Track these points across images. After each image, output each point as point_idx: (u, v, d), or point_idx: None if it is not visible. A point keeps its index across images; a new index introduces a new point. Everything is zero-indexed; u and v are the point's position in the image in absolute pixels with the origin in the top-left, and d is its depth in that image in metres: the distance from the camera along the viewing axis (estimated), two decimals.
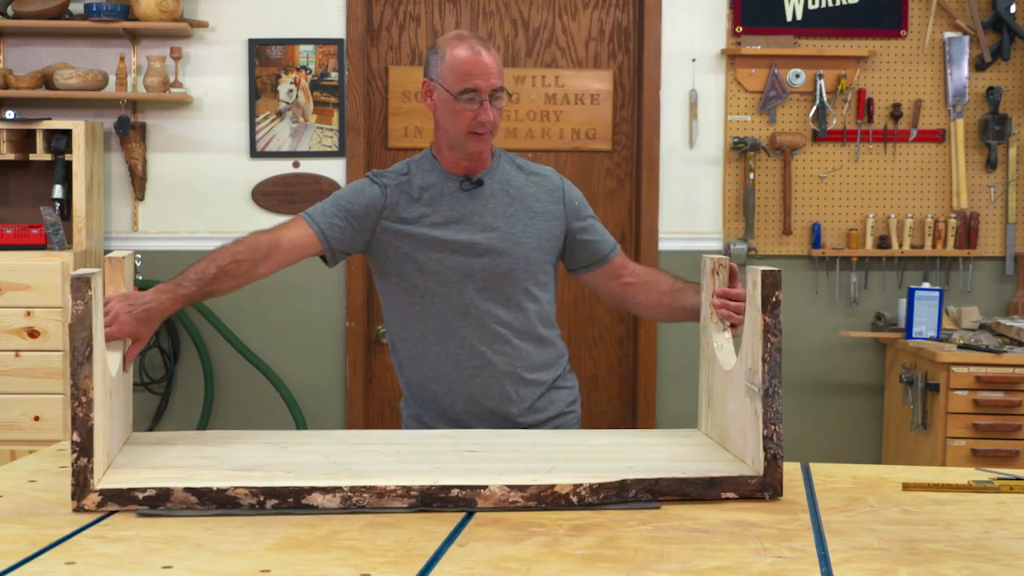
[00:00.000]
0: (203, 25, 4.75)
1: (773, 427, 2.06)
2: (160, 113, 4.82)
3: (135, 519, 1.94)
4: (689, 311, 2.63)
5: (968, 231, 4.87)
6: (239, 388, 4.88)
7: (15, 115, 4.52)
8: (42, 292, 4.37)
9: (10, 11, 4.61)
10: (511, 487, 2.01)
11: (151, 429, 4.83)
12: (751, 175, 4.82)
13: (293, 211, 4.81)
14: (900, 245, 4.88)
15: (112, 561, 1.72)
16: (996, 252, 4.92)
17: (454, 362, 2.69)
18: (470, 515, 1.97)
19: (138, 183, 4.80)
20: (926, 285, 4.69)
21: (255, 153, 4.83)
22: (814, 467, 2.36)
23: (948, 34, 4.86)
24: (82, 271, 2.00)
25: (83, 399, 1.97)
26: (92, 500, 1.99)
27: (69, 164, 4.55)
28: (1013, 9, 4.80)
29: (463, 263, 2.65)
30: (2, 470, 2.32)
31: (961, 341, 4.49)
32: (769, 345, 2.06)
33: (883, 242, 4.89)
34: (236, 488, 1.99)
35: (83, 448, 1.97)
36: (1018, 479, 2.22)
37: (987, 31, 4.85)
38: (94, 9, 4.55)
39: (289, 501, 2.00)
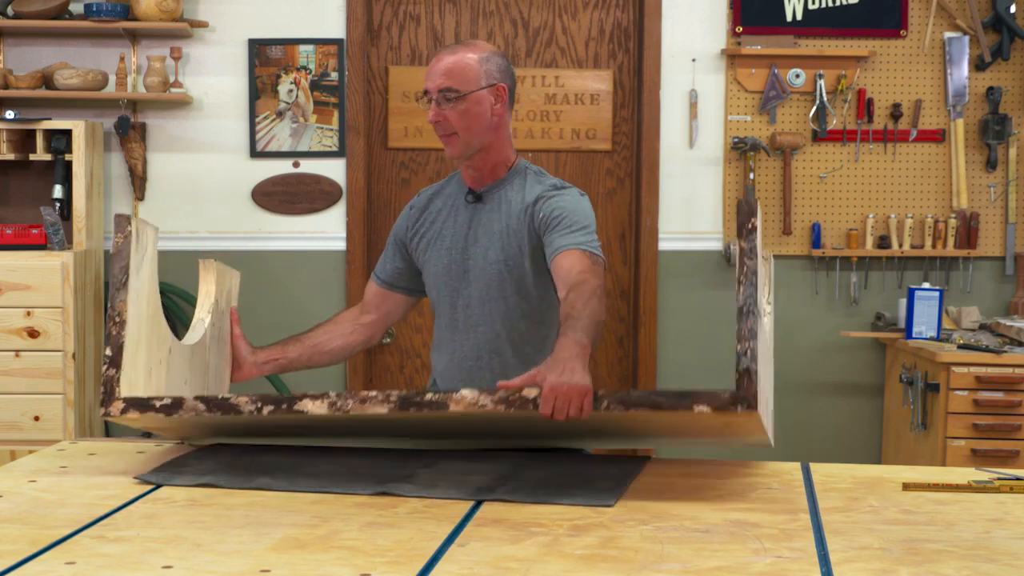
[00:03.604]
0: (203, 25, 4.75)
1: (747, 343, 2.05)
2: (160, 113, 4.82)
3: (136, 518, 1.95)
4: None
5: (968, 231, 4.87)
6: (239, 388, 4.86)
7: (15, 115, 4.52)
8: (42, 292, 4.37)
9: (10, 11, 4.61)
10: (481, 392, 2.12)
11: None
12: (751, 175, 4.82)
13: (293, 211, 4.82)
14: (900, 245, 4.88)
15: (112, 561, 1.72)
16: (996, 252, 4.92)
17: (457, 366, 2.72)
18: (470, 515, 1.98)
19: (138, 183, 4.80)
20: (926, 285, 4.69)
21: (255, 153, 4.83)
22: (814, 467, 2.36)
23: (948, 34, 4.86)
24: (119, 214, 2.32)
25: (117, 319, 2.23)
26: (117, 407, 2.21)
27: (69, 164, 4.55)
28: (1013, 9, 4.80)
29: (449, 275, 2.69)
30: (2, 470, 2.32)
31: (961, 341, 4.49)
32: (745, 268, 2.10)
33: (883, 242, 4.89)
34: (238, 397, 2.24)
35: (112, 361, 2.22)
36: (1018, 479, 2.22)
37: (987, 31, 4.85)
38: (94, 9, 4.55)
39: (283, 407, 2.21)
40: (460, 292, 2.67)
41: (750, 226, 2.13)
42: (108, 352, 2.23)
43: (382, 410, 2.16)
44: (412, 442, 2.48)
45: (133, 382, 2.29)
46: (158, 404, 2.23)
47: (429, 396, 2.14)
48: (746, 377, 2.04)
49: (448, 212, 2.72)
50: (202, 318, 2.58)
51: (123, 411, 2.23)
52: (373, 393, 2.16)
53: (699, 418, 2.09)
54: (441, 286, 2.70)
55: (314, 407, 2.18)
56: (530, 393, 2.09)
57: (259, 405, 2.22)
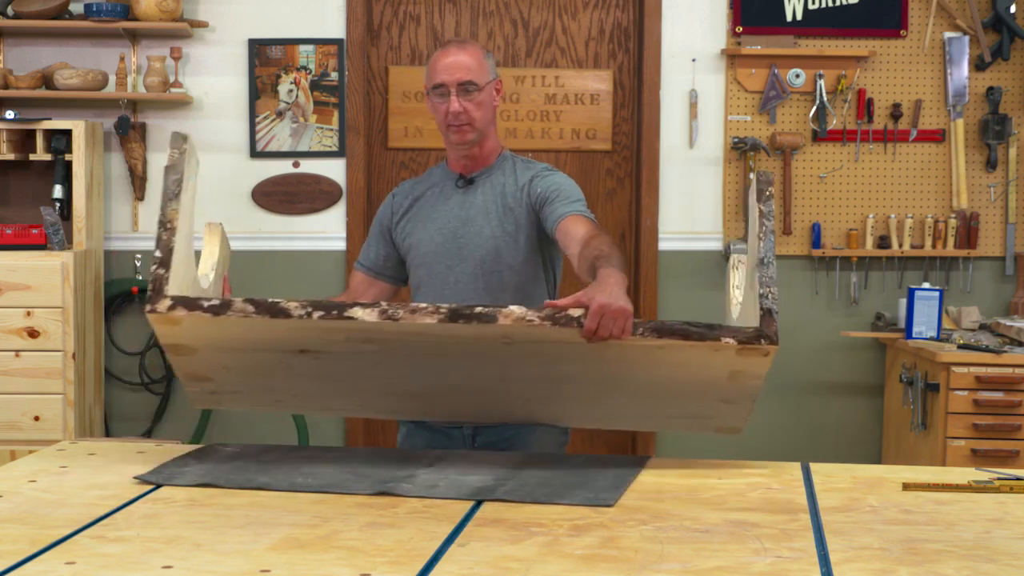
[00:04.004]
0: (203, 25, 4.75)
1: (768, 288, 2.26)
2: (160, 113, 4.82)
3: (136, 518, 1.95)
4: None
5: (968, 231, 4.87)
6: None
7: (15, 115, 4.52)
8: (42, 292, 4.37)
9: (10, 11, 4.61)
10: (530, 309, 2.19)
11: (151, 429, 4.84)
12: (751, 175, 4.82)
13: (293, 211, 4.82)
14: (900, 245, 4.88)
15: (112, 561, 1.72)
16: (996, 252, 4.92)
17: None
18: (470, 515, 1.98)
19: (138, 183, 4.80)
20: (926, 285, 4.69)
21: (255, 153, 4.83)
22: (814, 467, 2.36)
23: (948, 34, 4.86)
24: (175, 132, 2.42)
25: (168, 226, 2.29)
26: (164, 304, 2.21)
27: (69, 164, 4.55)
28: (1013, 9, 4.80)
29: (442, 255, 2.78)
30: (2, 470, 2.32)
31: (961, 341, 4.49)
32: (763, 227, 2.33)
33: (883, 242, 4.89)
34: (288, 301, 2.20)
35: (162, 262, 2.25)
36: (1018, 479, 2.22)
37: (987, 31, 4.85)
38: (94, 9, 4.55)
39: (333, 313, 2.18)
40: (452, 269, 2.76)
41: (768, 193, 2.38)
42: (158, 253, 2.26)
43: (431, 320, 2.18)
44: (421, 404, 2.55)
45: (175, 282, 2.31)
46: (206, 304, 2.22)
47: (479, 309, 2.19)
48: (768, 316, 2.21)
49: (436, 197, 2.84)
50: (206, 273, 2.58)
51: (170, 308, 2.21)
52: (423, 304, 2.20)
53: (719, 355, 2.21)
54: (432, 263, 2.79)
55: (365, 314, 2.19)
56: (575, 312, 2.17)
57: (309, 310, 2.20)
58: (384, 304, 2.21)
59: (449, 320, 2.18)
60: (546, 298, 2.79)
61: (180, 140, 2.39)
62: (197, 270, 2.52)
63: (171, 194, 2.33)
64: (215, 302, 2.22)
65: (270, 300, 2.21)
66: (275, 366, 2.38)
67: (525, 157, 2.90)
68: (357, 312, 2.18)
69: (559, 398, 2.48)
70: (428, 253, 2.79)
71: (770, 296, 2.24)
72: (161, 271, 2.24)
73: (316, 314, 2.19)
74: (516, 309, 2.19)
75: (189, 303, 2.22)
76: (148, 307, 2.21)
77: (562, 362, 2.29)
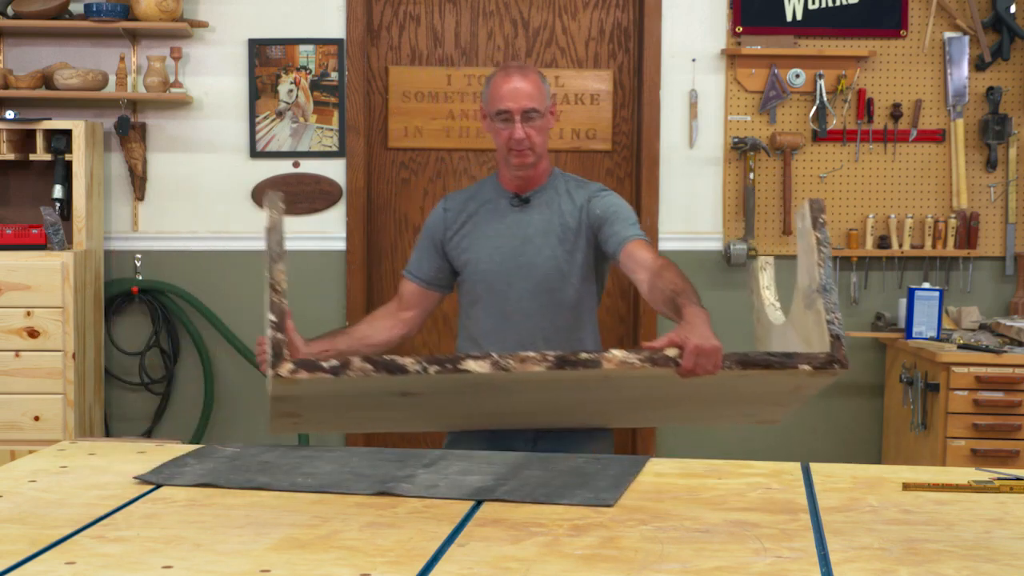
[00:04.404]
0: (203, 25, 4.75)
1: (833, 315, 2.45)
2: (160, 113, 4.82)
3: (136, 518, 1.95)
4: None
5: (968, 231, 4.87)
6: (239, 388, 4.88)
7: (15, 115, 4.52)
8: (42, 292, 4.37)
9: (10, 11, 4.61)
10: (629, 351, 2.36)
11: (151, 429, 4.84)
12: (751, 175, 4.82)
13: (293, 211, 4.81)
14: (900, 245, 4.88)
15: (112, 561, 1.72)
16: (996, 252, 4.92)
17: (509, 352, 2.83)
18: (470, 515, 1.98)
19: (138, 183, 4.80)
20: (926, 285, 4.69)
21: (255, 153, 4.83)
22: (814, 467, 2.36)
23: (948, 34, 4.86)
24: (270, 192, 2.48)
25: (278, 288, 2.37)
26: (286, 368, 2.29)
27: (69, 164, 4.55)
28: (1013, 9, 4.80)
29: (503, 272, 2.91)
30: (2, 470, 2.32)
31: (961, 341, 4.49)
32: (822, 254, 2.53)
33: (883, 242, 4.89)
34: (404, 358, 2.32)
35: (278, 325, 2.34)
36: (1018, 479, 2.22)
37: (987, 31, 4.85)
38: (94, 9, 4.55)
39: (448, 367, 2.32)
40: (512, 286, 2.90)
41: (821, 220, 2.57)
42: (273, 317, 2.35)
43: (540, 369, 2.33)
44: (498, 420, 2.73)
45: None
46: (327, 365, 2.30)
47: (583, 355, 2.34)
48: (837, 341, 2.41)
49: (490, 215, 2.95)
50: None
51: (292, 371, 2.29)
52: (531, 353, 2.35)
53: (792, 377, 2.42)
54: (492, 281, 2.92)
55: (478, 366, 2.32)
56: (671, 352, 2.35)
57: (424, 365, 2.32)
58: (495, 355, 2.34)
59: (556, 367, 2.33)
60: (596, 309, 3.00)
61: (277, 200, 2.45)
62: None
63: (275, 255, 2.40)
64: (335, 363, 2.31)
65: (386, 358, 2.32)
66: (372, 404, 2.51)
67: (573, 175, 3.04)
68: (471, 365, 2.33)
69: (631, 411, 2.73)
70: (488, 271, 2.92)
71: (836, 322, 2.44)
72: (280, 335, 2.33)
73: (432, 369, 2.33)
74: (618, 353, 2.35)
75: (310, 366, 2.31)
76: (271, 372, 2.30)
77: (648, 389, 2.49)
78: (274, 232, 2.41)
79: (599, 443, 2.88)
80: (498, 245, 2.92)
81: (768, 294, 2.92)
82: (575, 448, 2.80)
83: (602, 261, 2.96)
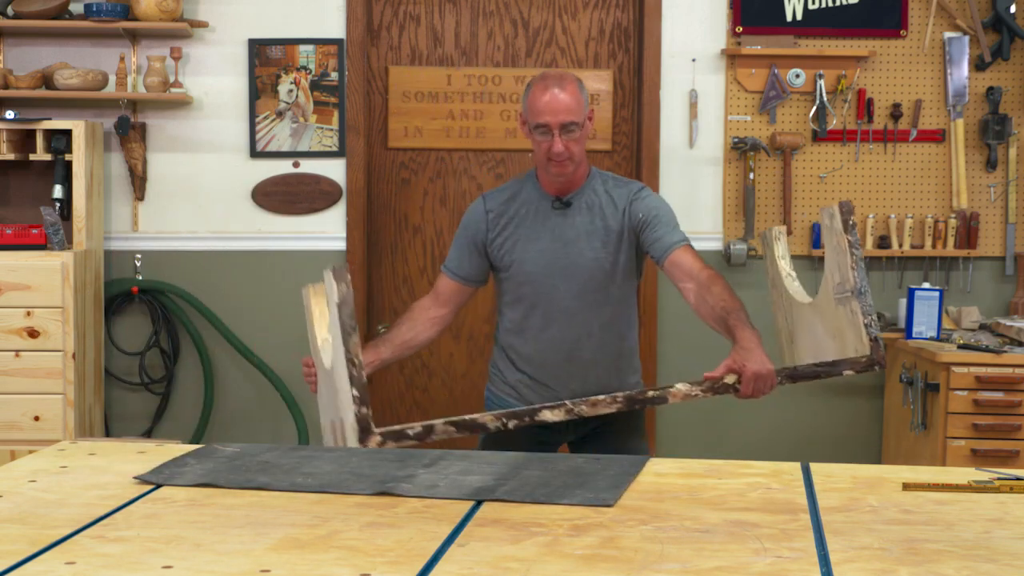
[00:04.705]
0: (203, 25, 4.75)
1: (870, 317, 2.57)
2: (160, 113, 4.82)
3: (136, 518, 1.95)
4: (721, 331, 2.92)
5: (968, 231, 4.87)
6: (239, 388, 4.88)
7: (15, 115, 4.52)
8: (42, 292, 4.37)
9: (10, 11, 4.61)
10: (691, 383, 2.53)
11: (151, 429, 4.84)
12: (751, 175, 4.82)
13: (293, 211, 4.81)
14: (900, 245, 4.88)
15: (112, 561, 1.72)
16: (996, 252, 4.92)
17: (555, 349, 3.05)
18: (470, 515, 1.98)
19: (138, 183, 4.80)
20: (926, 285, 4.69)
21: (255, 153, 4.83)
22: (814, 467, 2.36)
23: (948, 34, 4.86)
24: (336, 266, 2.54)
25: (355, 361, 2.43)
26: (375, 441, 2.40)
27: (69, 164, 4.55)
28: (1013, 9, 4.80)
29: (548, 275, 3.03)
30: (2, 470, 2.32)
31: (961, 341, 4.49)
32: (854, 256, 2.60)
33: (883, 242, 4.88)
34: (483, 416, 2.47)
35: (362, 399, 2.42)
36: (1018, 479, 2.22)
37: (987, 31, 4.85)
38: (94, 9, 4.55)
39: (526, 420, 2.48)
40: (558, 287, 3.03)
41: (852, 223, 2.65)
42: (355, 392, 2.44)
43: (610, 410, 2.50)
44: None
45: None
46: (411, 432, 2.44)
47: (651, 393, 2.54)
48: (876, 344, 2.55)
49: (533, 216, 3.06)
50: (325, 337, 2.73)
51: (381, 443, 2.42)
52: (602, 397, 2.54)
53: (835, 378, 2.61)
54: (538, 282, 3.04)
55: (553, 415, 2.51)
56: (730, 379, 2.54)
57: (504, 421, 2.50)
58: (568, 404, 2.54)
59: (626, 407, 2.52)
60: (635, 303, 3.17)
61: (344, 273, 2.52)
62: (318, 341, 2.71)
63: (349, 329, 2.46)
64: (419, 430, 2.45)
65: (467, 418, 2.47)
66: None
67: (604, 171, 3.14)
68: (547, 416, 2.52)
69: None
70: (533, 272, 3.04)
71: (873, 324, 2.58)
72: (365, 410, 2.44)
73: (511, 423, 2.50)
74: (682, 387, 2.55)
75: (397, 436, 2.44)
76: (361, 444, 2.43)
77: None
78: (345, 306, 2.47)
79: (637, 442, 3.06)
80: (542, 248, 3.03)
81: (784, 264, 3.08)
82: (615, 448, 2.97)
83: (640, 258, 3.09)
